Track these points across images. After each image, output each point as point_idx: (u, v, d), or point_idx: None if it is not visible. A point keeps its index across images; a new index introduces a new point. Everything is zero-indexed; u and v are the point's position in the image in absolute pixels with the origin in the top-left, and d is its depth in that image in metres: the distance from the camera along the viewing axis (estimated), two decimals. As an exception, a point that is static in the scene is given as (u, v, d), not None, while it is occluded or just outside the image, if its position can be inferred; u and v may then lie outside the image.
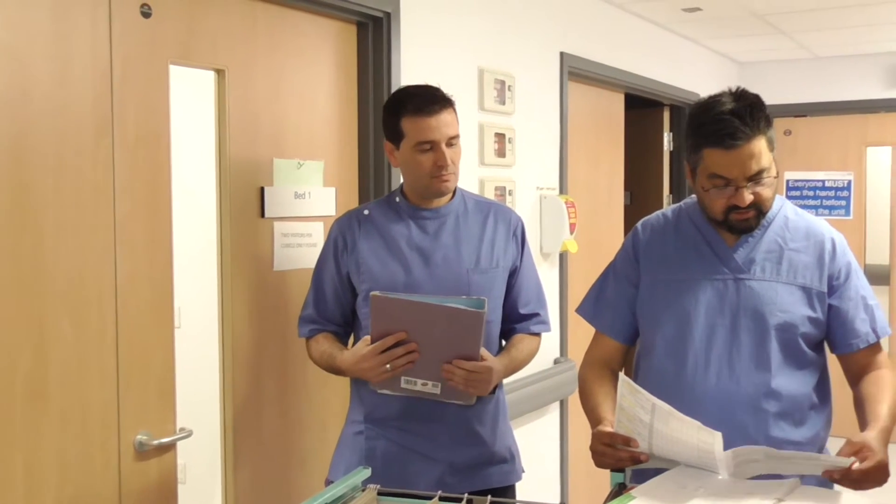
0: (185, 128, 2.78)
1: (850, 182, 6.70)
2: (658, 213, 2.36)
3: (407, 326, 2.20)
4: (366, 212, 2.49)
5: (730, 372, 2.11)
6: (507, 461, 2.52)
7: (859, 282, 2.18)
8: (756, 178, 2.05)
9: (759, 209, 2.09)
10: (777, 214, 2.20)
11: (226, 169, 2.62)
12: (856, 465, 1.84)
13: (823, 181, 6.76)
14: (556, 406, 4.33)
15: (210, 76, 2.61)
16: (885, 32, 5.71)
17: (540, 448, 4.21)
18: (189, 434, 2.42)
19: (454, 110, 2.41)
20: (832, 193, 6.74)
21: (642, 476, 2.01)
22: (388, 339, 2.20)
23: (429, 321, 2.19)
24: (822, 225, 2.22)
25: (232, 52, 2.61)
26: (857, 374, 2.18)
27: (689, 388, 2.12)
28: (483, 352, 2.25)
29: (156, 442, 2.34)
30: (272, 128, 2.75)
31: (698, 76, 5.97)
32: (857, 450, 1.88)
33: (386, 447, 2.41)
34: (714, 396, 2.09)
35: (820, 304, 2.14)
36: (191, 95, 2.87)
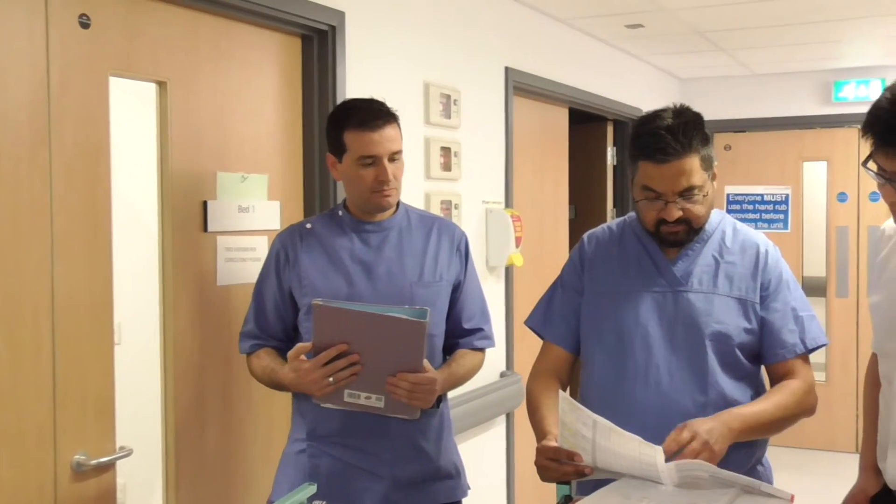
0: (126, 140, 2.74)
1: (787, 196, 6.84)
2: (604, 225, 2.39)
3: (349, 336, 2.17)
4: (308, 226, 2.48)
5: (669, 382, 2.14)
6: (453, 477, 2.51)
7: (790, 293, 2.20)
8: (686, 194, 2.08)
9: (690, 225, 2.13)
10: (716, 229, 2.24)
11: (168, 182, 2.58)
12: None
13: (762, 195, 6.90)
14: (502, 419, 4.33)
15: (152, 88, 2.57)
16: (820, 50, 5.85)
17: (486, 462, 4.21)
18: (129, 453, 2.37)
19: (398, 125, 2.41)
20: (771, 207, 6.87)
21: (588, 488, 2.02)
22: (331, 350, 2.17)
23: (371, 331, 2.17)
24: (758, 237, 2.26)
25: (174, 64, 2.58)
26: (777, 383, 2.21)
27: (629, 398, 2.15)
28: (425, 363, 2.23)
29: (94, 462, 2.28)
30: (215, 141, 2.72)
31: (641, 91, 6.06)
32: (680, 432, 1.92)
33: (329, 464, 2.39)
34: (653, 407, 2.12)
35: (755, 315, 2.18)
36: (133, 107, 2.83)
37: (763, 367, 2.24)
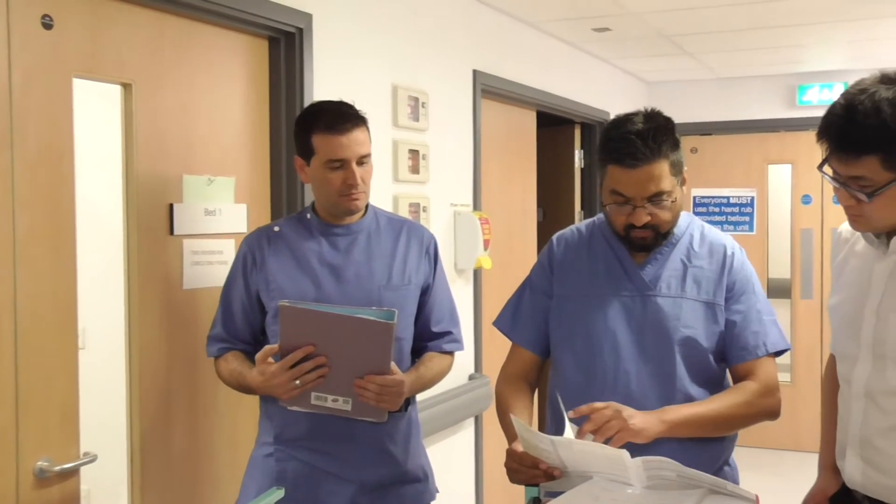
0: (91, 142, 2.71)
1: (753, 198, 6.91)
2: (572, 227, 2.39)
3: (316, 338, 2.16)
4: (276, 228, 2.46)
5: (637, 388, 2.14)
6: (421, 480, 2.50)
7: (755, 296, 2.21)
8: (654, 199, 2.09)
9: (657, 230, 2.14)
10: (685, 233, 2.24)
11: (133, 185, 2.55)
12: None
13: (728, 198, 6.96)
14: (470, 422, 4.33)
15: (116, 90, 2.55)
16: (785, 54, 5.92)
17: (455, 464, 4.21)
18: (94, 459, 2.34)
19: (367, 128, 2.40)
20: (737, 209, 6.93)
21: (556, 490, 2.02)
22: (297, 353, 2.16)
23: (338, 332, 2.16)
24: (726, 240, 2.27)
25: (139, 65, 2.55)
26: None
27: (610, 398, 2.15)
28: (392, 366, 2.22)
29: (58, 468, 2.25)
30: (181, 143, 2.70)
31: (608, 95, 6.09)
32: (591, 410, 1.97)
33: (297, 468, 2.38)
34: (640, 408, 2.11)
35: (722, 318, 2.19)
36: (98, 109, 2.80)
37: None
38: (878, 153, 1.74)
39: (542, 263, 2.35)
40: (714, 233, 2.29)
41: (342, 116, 2.34)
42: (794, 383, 6.83)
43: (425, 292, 2.50)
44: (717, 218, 6.91)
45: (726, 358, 2.22)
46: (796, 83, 6.66)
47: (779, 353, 2.22)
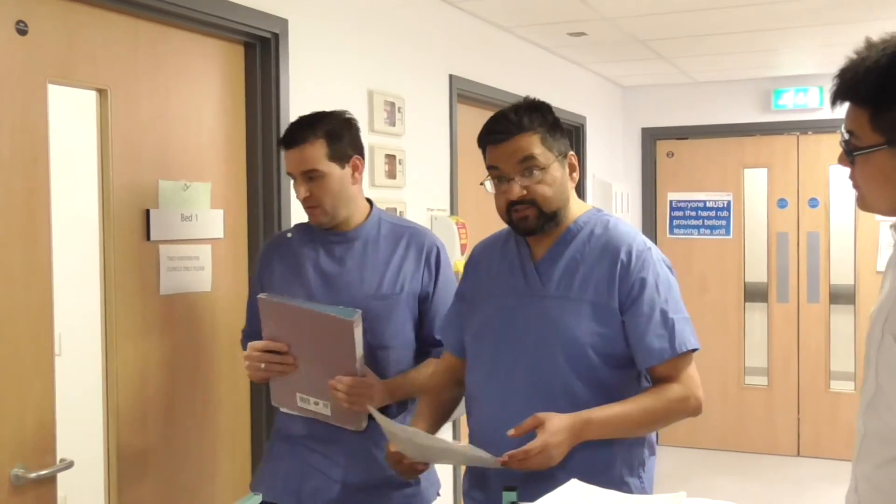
0: (68, 148, 2.70)
1: (729, 202, 6.95)
2: (499, 230, 2.37)
3: (290, 330, 2.31)
4: (288, 234, 2.56)
5: (523, 389, 2.11)
6: (412, 485, 2.50)
7: (658, 296, 2.08)
8: (526, 168, 2.07)
9: (539, 207, 2.10)
10: (583, 228, 2.17)
11: (109, 191, 2.55)
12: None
13: (705, 202, 7.00)
14: (448, 426, 4.34)
15: (92, 96, 2.54)
16: (759, 59, 5.97)
17: (432, 470, 4.20)
18: (70, 465, 2.33)
19: (325, 142, 2.39)
20: (713, 213, 6.98)
21: (534, 497, 2.02)
22: (270, 343, 2.33)
23: (307, 327, 2.29)
24: (627, 237, 2.14)
25: (114, 71, 2.55)
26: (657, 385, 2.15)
27: (489, 403, 2.16)
28: (365, 369, 2.30)
29: (33, 475, 2.24)
30: (157, 149, 2.69)
31: (584, 99, 6.12)
32: (535, 426, 1.95)
33: (289, 465, 2.46)
34: (510, 412, 2.06)
35: (612, 320, 2.09)
36: (75, 115, 2.79)
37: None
38: (867, 107, 1.56)
39: (465, 268, 2.38)
40: (618, 229, 2.16)
41: (293, 131, 2.42)
42: (770, 387, 6.86)
43: (424, 300, 2.49)
44: (694, 222, 6.95)
45: (635, 361, 2.12)
46: (771, 87, 6.71)
47: (688, 353, 2.11)
